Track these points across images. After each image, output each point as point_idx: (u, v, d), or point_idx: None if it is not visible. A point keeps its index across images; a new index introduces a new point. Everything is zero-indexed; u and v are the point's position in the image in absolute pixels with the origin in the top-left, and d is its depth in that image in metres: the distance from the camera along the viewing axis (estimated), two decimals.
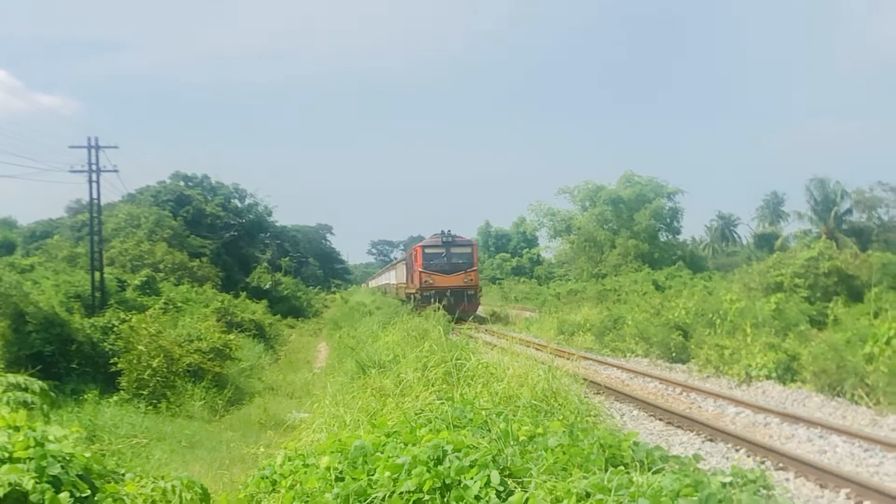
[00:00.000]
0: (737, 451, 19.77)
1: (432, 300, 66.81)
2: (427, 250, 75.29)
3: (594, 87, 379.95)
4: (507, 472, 9.96)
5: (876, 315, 32.42)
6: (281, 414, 29.16)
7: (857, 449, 19.65)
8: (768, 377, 30.34)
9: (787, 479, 16.98)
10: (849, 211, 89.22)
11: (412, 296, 76.87)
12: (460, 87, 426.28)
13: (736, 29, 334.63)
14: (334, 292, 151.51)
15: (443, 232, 76.03)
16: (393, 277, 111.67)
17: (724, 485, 10.09)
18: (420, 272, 74.17)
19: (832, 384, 27.39)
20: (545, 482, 9.50)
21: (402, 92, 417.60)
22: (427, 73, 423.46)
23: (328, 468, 11.21)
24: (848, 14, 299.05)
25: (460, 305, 67.84)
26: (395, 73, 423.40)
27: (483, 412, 13.53)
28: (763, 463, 18.28)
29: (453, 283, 73.25)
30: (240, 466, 19.17)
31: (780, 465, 18.06)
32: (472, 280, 74.29)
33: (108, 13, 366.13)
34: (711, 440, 21.16)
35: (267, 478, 12.32)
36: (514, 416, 13.56)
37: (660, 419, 24.36)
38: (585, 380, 21.62)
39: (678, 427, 23.01)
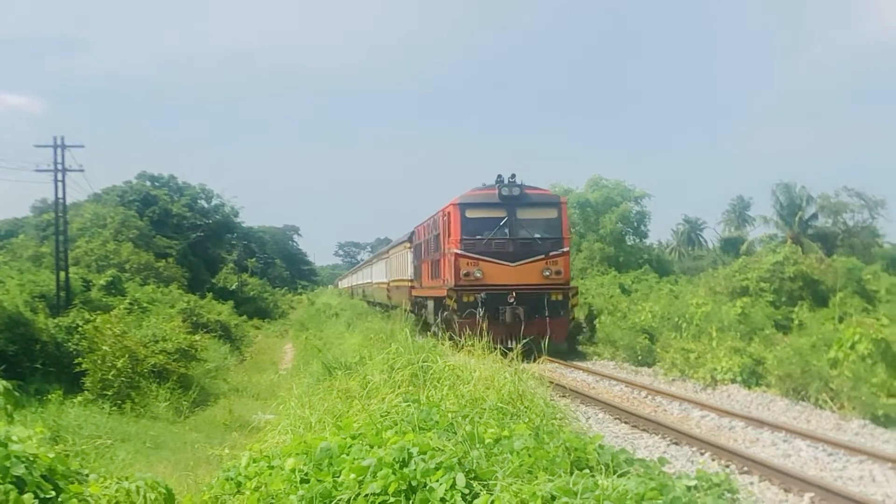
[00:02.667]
0: (702, 454, 19.82)
1: (480, 309, 39.69)
2: (470, 212, 42.14)
3: (561, 89, 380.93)
4: (473, 475, 9.94)
5: (840, 320, 32.59)
6: (246, 415, 29.12)
7: (820, 453, 19.74)
8: (733, 381, 30.43)
9: (752, 483, 17.04)
10: (814, 216, 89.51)
11: (436, 303, 45.79)
12: (425, 89, 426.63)
13: (700, 33, 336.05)
14: (301, 293, 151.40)
15: (500, 178, 42.69)
16: (380, 273, 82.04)
17: (688, 488, 10.11)
18: (457, 256, 41.25)
19: (797, 388, 27.50)
20: (511, 485, 9.49)
21: (366, 93, 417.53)
22: (390, 73, 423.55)
23: (293, 470, 11.17)
24: (812, 19, 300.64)
25: (535, 323, 38.90)
26: (360, 75, 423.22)
27: (449, 414, 13.52)
28: (728, 466, 18.33)
29: (525, 280, 40.93)
30: (204, 468, 19.10)
31: (745, 468, 18.12)
32: (559, 272, 41.43)
33: (74, 11, 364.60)
34: (676, 443, 21.21)
35: (232, 479, 12.26)
36: (480, 418, 13.54)
37: (625, 422, 24.41)
38: (551, 383, 21.63)
39: (643, 430, 23.07)
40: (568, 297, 41.27)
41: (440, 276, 44.55)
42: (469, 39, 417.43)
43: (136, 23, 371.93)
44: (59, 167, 51.71)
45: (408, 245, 60.41)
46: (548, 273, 40.91)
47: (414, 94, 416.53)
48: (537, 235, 41.92)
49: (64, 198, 53.56)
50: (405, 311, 54.15)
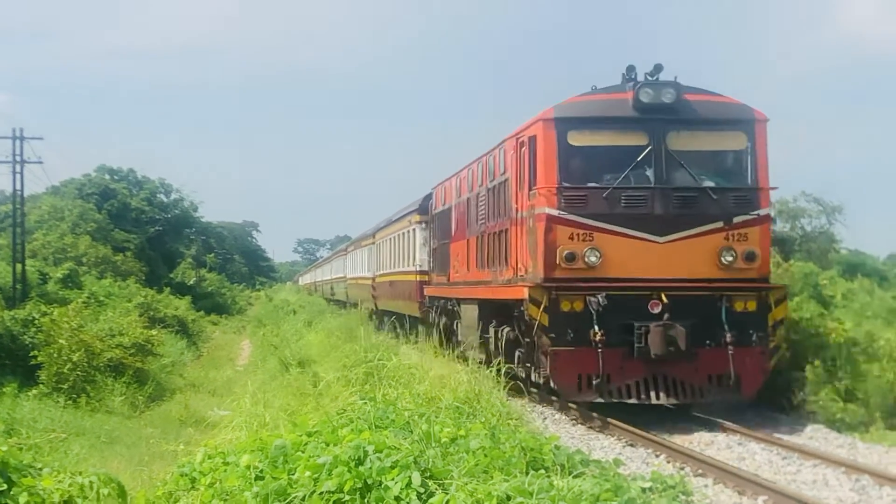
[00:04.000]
0: (657, 456, 19.82)
1: (596, 327, 21.67)
2: (577, 136, 23.00)
3: (518, 90, 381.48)
4: (429, 474, 9.96)
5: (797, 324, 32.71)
6: (202, 411, 29.06)
7: (775, 457, 19.77)
8: None
9: (706, 486, 17.06)
10: (773, 220, 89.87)
11: (484, 310, 28.32)
12: (389, 89, 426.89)
13: (655, 34, 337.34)
14: (259, 290, 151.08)
15: (630, 73, 23.28)
16: (360, 265, 64.36)
17: (643, 490, 10.16)
18: (550, 220, 22.52)
19: None
20: (466, 484, 9.50)
21: (328, 92, 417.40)
22: (354, 74, 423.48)
23: (248, 467, 11.16)
24: (773, 23, 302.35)
25: (705, 358, 22.09)
26: (322, 71, 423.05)
27: (405, 413, 13.53)
28: (682, 469, 18.33)
29: (684, 271, 22.52)
30: (159, 463, 19.04)
31: (700, 471, 18.13)
32: (752, 257, 22.58)
33: (34, 2, 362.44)
34: (632, 445, 21.20)
35: (186, 475, 12.24)
36: (436, 417, 13.56)
37: (581, 423, 24.36)
38: (508, 382, 21.58)
39: (599, 431, 23.03)
40: (769, 306, 22.72)
41: (505, 262, 26.17)
42: (437, 38, 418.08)
43: (98, 15, 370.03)
44: (18, 159, 51.54)
45: (417, 218, 41.84)
46: (730, 258, 22.38)
47: (377, 94, 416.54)
48: (709, 183, 23.03)
49: (22, 190, 53.40)
50: (418, 316, 40.83)
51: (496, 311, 26.89)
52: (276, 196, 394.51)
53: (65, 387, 31.62)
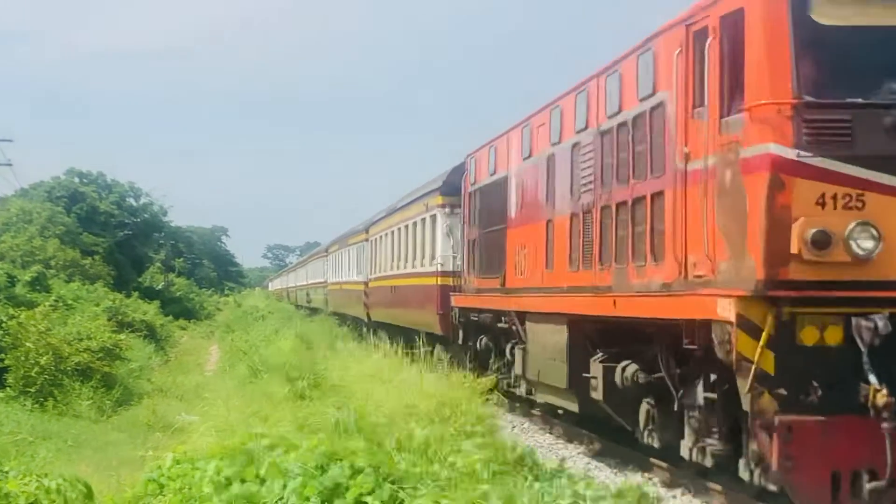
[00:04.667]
0: (626, 466, 19.79)
1: (871, 373, 11.14)
2: (828, 7, 11.62)
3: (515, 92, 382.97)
4: (394, 480, 9.96)
5: None
6: (170, 416, 28.94)
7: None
8: None
9: (675, 497, 17.04)
10: None
11: (576, 335, 18.48)
12: (355, 93, 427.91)
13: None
14: (228, 295, 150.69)
15: None
16: (347, 266, 55.39)
17: (613, 498, 10.18)
18: (777, 163, 11.35)
19: None
20: (435, 491, 9.51)
21: (302, 99, 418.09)
22: (327, 78, 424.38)
23: (217, 472, 11.14)
24: None
25: None
26: (296, 79, 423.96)
27: (375, 419, 13.54)
28: (651, 479, 18.27)
29: None
30: (127, 468, 19.00)
31: (667, 481, 18.11)
32: None
33: (4, 3, 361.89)
34: (601, 455, 21.18)
35: (154, 480, 12.21)
36: (406, 424, 13.56)
37: (550, 433, 24.32)
38: (481, 390, 21.53)
39: (568, 441, 23.00)
40: None
41: (652, 253, 15.13)
42: (419, 39, 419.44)
43: (69, 17, 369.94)
44: None
45: (440, 200, 32.12)
46: None
47: (354, 103, 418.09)
48: None
49: None
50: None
51: (611, 337, 17.80)
52: (246, 202, 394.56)
53: (32, 390, 31.50)
